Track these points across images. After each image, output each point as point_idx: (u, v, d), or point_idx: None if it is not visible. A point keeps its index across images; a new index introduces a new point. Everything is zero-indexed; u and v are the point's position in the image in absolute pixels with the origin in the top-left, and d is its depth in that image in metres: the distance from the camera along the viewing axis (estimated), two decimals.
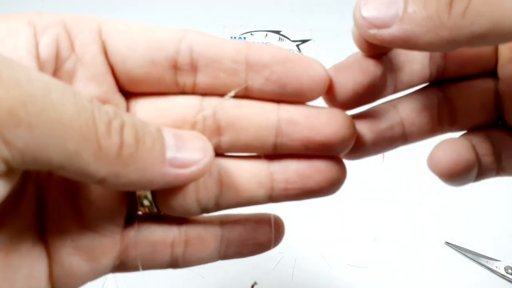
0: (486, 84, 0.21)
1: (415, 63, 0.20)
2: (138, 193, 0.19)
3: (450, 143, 0.20)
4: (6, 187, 0.14)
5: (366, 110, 0.21)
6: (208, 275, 0.39)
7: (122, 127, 0.15)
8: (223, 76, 0.18)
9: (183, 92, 0.19)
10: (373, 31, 0.17)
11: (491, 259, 0.40)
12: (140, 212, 0.19)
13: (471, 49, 0.20)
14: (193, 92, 0.19)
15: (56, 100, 0.13)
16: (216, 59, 0.18)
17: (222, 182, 0.19)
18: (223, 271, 0.40)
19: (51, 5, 0.64)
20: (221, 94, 0.18)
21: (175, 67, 0.18)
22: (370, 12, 0.17)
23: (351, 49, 0.20)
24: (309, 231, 0.42)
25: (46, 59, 0.16)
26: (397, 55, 0.20)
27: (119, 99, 0.18)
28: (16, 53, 0.16)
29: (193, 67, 0.18)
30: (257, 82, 0.18)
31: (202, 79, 0.18)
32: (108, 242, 0.18)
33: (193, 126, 0.18)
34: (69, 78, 0.17)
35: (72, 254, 0.18)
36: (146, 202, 0.19)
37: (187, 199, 0.18)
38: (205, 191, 0.18)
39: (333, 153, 0.19)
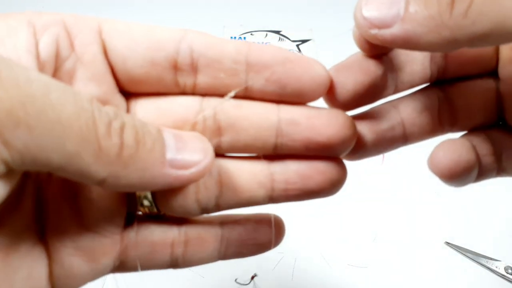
0: (487, 84, 0.21)
1: (415, 63, 0.20)
2: (138, 193, 0.18)
3: (451, 143, 0.20)
4: (6, 188, 0.14)
5: (366, 111, 0.21)
6: (208, 275, 0.39)
7: (122, 128, 0.15)
8: (223, 77, 0.18)
9: (183, 93, 0.19)
10: (374, 31, 0.16)
11: (491, 259, 0.40)
12: (140, 212, 0.19)
13: (472, 49, 0.20)
14: (193, 92, 0.19)
15: (55, 101, 0.13)
16: (216, 59, 0.18)
17: (222, 182, 0.19)
18: (223, 271, 0.39)
19: (51, 5, 0.64)
20: (221, 95, 0.18)
21: (175, 67, 0.18)
22: (371, 12, 0.16)
23: (351, 49, 0.20)
24: (309, 231, 0.42)
25: (46, 58, 0.16)
26: (398, 55, 0.20)
27: (119, 99, 0.18)
28: (15, 53, 0.16)
29: (193, 67, 0.18)
30: (257, 82, 0.18)
31: (202, 80, 0.18)
32: (108, 243, 0.18)
33: (193, 127, 0.18)
34: (69, 78, 0.17)
35: (72, 255, 0.18)
36: (146, 202, 0.19)
37: (187, 200, 0.18)
38: (205, 191, 0.18)
39: (334, 153, 0.19)
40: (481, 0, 0.14)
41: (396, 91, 0.21)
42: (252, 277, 0.38)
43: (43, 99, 0.13)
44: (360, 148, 0.20)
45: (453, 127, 0.21)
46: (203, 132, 0.18)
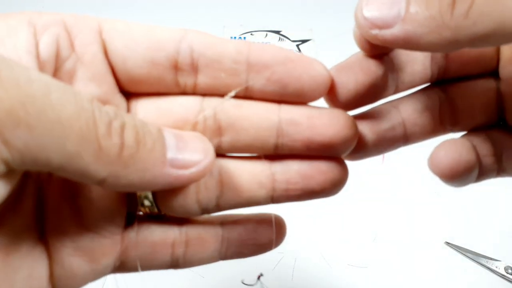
0: (488, 84, 0.21)
1: (416, 63, 0.20)
2: (139, 193, 0.18)
3: (451, 143, 0.20)
4: (6, 188, 0.14)
5: (367, 111, 0.21)
6: (208, 275, 0.39)
7: (122, 128, 0.15)
8: (224, 76, 0.18)
9: (183, 93, 0.19)
10: (375, 32, 0.16)
11: (491, 259, 0.40)
12: (140, 212, 0.19)
13: (473, 49, 0.20)
14: (193, 92, 0.19)
15: (55, 101, 0.13)
16: (217, 59, 0.18)
17: (223, 182, 0.19)
18: (223, 271, 0.39)
19: (51, 5, 0.64)
20: (222, 94, 0.18)
21: (176, 67, 0.18)
22: (372, 12, 0.16)
23: (351, 49, 0.20)
24: (309, 231, 0.42)
25: (46, 58, 0.16)
26: (399, 55, 0.20)
27: (120, 99, 0.18)
28: (15, 53, 0.16)
29: (194, 67, 0.18)
30: (258, 82, 0.18)
31: (203, 79, 0.18)
32: (108, 243, 0.18)
33: (194, 127, 0.18)
34: (69, 78, 0.17)
35: (73, 255, 0.18)
36: (146, 202, 0.19)
37: (188, 200, 0.18)
38: (205, 191, 0.18)
39: (335, 153, 0.19)
40: (482, 1, 0.14)
41: (397, 91, 0.21)
42: (258, 277, 0.38)
43: (43, 99, 0.13)
44: (361, 148, 0.20)
45: (454, 127, 0.21)
46: (203, 132, 0.18)
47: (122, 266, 0.19)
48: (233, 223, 0.20)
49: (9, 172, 0.14)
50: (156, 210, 0.19)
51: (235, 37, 0.63)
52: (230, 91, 0.18)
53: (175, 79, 0.18)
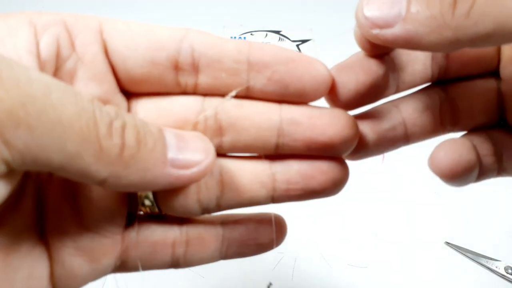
0: (488, 84, 0.21)
1: (417, 63, 0.20)
2: (139, 193, 0.18)
3: (451, 143, 0.20)
4: (6, 188, 0.14)
5: (368, 110, 0.21)
6: (208, 275, 0.39)
7: (123, 128, 0.15)
8: (225, 76, 0.18)
9: (184, 92, 0.19)
10: (376, 31, 0.16)
11: (491, 259, 0.40)
12: (141, 212, 0.19)
13: (474, 49, 0.20)
14: (194, 92, 0.19)
15: (56, 101, 0.13)
16: (217, 59, 0.18)
17: (224, 182, 0.19)
18: (223, 271, 0.39)
19: (51, 4, 0.64)
20: (223, 94, 0.18)
21: (176, 67, 0.18)
22: (373, 12, 0.16)
23: (351, 49, 0.20)
24: (309, 231, 0.42)
25: (46, 58, 0.16)
26: (399, 55, 0.20)
27: (120, 99, 0.18)
28: (16, 53, 0.16)
29: (195, 67, 0.18)
30: (258, 82, 0.18)
31: (204, 79, 0.18)
32: (109, 243, 0.18)
33: (194, 127, 0.18)
34: (70, 78, 0.17)
35: (73, 255, 0.18)
36: (147, 202, 0.18)
37: (188, 200, 0.18)
38: (206, 191, 0.18)
39: (336, 153, 0.19)
40: (483, 1, 0.14)
41: (398, 90, 0.21)
42: (268, 287, 0.38)
43: (43, 99, 0.13)
44: (361, 147, 0.20)
45: (454, 127, 0.21)
46: (204, 132, 0.18)
47: (123, 265, 0.19)
48: (233, 222, 0.20)
49: (10, 172, 0.14)
50: (156, 209, 0.19)
51: (235, 37, 0.63)
52: (231, 91, 0.18)
53: (175, 79, 0.18)
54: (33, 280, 0.17)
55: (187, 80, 0.18)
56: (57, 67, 0.17)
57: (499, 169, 0.21)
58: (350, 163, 0.20)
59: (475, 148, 0.20)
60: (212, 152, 0.17)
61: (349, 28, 0.19)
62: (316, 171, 0.19)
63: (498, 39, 0.15)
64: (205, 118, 0.18)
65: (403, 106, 0.21)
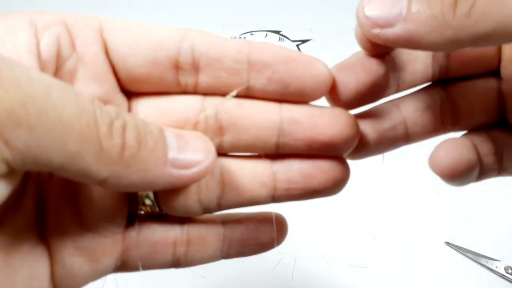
0: (489, 84, 0.21)
1: (418, 63, 0.20)
2: (140, 192, 0.18)
3: (452, 143, 0.20)
4: (7, 188, 0.14)
5: (368, 110, 0.21)
6: (208, 275, 0.39)
7: (124, 128, 0.15)
8: (225, 76, 0.18)
9: (184, 92, 0.19)
10: (376, 31, 0.16)
11: (491, 259, 0.40)
12: (141, 212, 0.19)
13: (474, 48, 0.20)
14: (195, 91, 0.19)
15: (56, 101, 0.13)
16: (218, 58, 0.18)
17: (224, 182, 0.19)
18: (223, 271, 0.39)
19: (51, 4, 0.64)
20: (223, 94, 0.18)
21: (177, 66, 0.18)
22: (374, 11, 0.16)
23: (351, 49, 0.20)
24: (309, 231, 0.42)
25: (47, 58, 0.16)
26: (400, 54, 0.20)
27: (121, 98, 0.18)
28: (16, 53, 0.16)
29: (195, 67, 0.18)
30: (259, 81, 0.18)
31: (204, 79, 0.18)
32: (109, 243, 0.18)
33: (195, 126, 0.18)
34: (70, 78, 0.17)
35: (74, 255, 0.18)
36: (148, 202, 0.18)
37: (189, 200, 0.18)
38: (207, 191, 0.18)
39: (337, 153, 0.19)
40: (484, 0, 0.14)
41: (398, 90, 0.21)
42: None
43: (44, 99, 0.13)
44: (362, 147, 0.20)
45: (455, 127, 0.21)
46: (204, 132, 0.18)
47: (123, 265, 0.19)
48: (234, 222, 0.20)
49: (10, 172, 0.14)
50: (157, 209, 0.19)
51: (235, 37, 0.63)
52: (231, 90, 0.18)
53: (176, 79, 0.18)
54: (33, 280, 0.17)
55: (187, 79, 0.18)
56: (57, 67, 0.17)
57: (500, 169, 0.21)
58: (350, 162, 0.20)
59: (475, 147, 0.20)
60: (212, 151, 0.17)
61: (349, 28, 0.19)
62: (317, 170, 0.19)
63: (499, 39, 0.15)
64: (206, 118, 0.18)
65: (403, 105, 0.21)
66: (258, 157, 0.19)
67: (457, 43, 0.15)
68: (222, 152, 0.19)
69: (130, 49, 0.17)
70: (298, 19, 0.67)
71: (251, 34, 0.63)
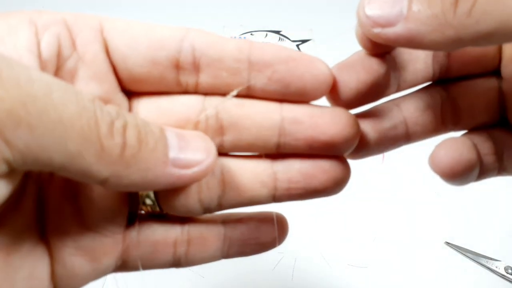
0: (490, 83, 0.21)
1: (418, 62, 0.20)
2: (141, 192, 0.18)
3: (452, 142, 0.20)
4: (7, 188, 0.14)
5: (369, 109, 0.21)
6: (208, 275, 0.39)
7: (124, 127, 0.15)
8: (225, 75, 0.18)
9: (185, 92, 0.19)
10: (377, 30, 0.16)
11: (491, 259, 0.40)
12: (142, 211, 0.19)
13: (475, 48, 0.20)
14: (195, 91, 0.18)
15: (57, 100, 0.13)
16: (218, 58, 0.18)
17: (225, 182, 0.19)
18: (223, 271, 0.39)
19: (51, 4, 0.64)
20: (224, 94, 0.18)
21: (177, 66, 0.18)
22: (374, 10, 0.16)
23: (351, 49, 0.20)
24: (309, 231, 0.42)
25: (48, 58, 0.16)
26: (401, 54, 0.20)
27: (121, 98, 0.18)
28: (16, 52, 0.16)
29: (196, 66, 0.18)
30: (259, 81, 0.18)
31: (204, 79, 0.18)
32: (110, 242, 0.18)
33: (195, 126, 0.18)
34: (71, 77, 0.17)
35: (74, 255, 0.18)
36: (148, 201, 0.18)
37: (190, 199, 0.18)
38: (207, 191, 0.18)
39: (337, 152, 0.19)
40: (484, 0, 0.14)
41: (399, 89, 0.21)
42: None
43: (44, 99, 0.13)
44: (363, 146, 0.20)
45: (455, 126, 0.21)
46: (205, 131, 0.18)
47: (124, 265, 0.19)
48: (235, 221, 0.20)
49: (11, 172, 0.14)
50: (158, 209, 0.19)
51: (235, 37, 0.62)
52: (231, 90, 0.18)
53: (176, 78, 0.18)
54: (34, 280, 0.17)
55: (188, 79, 0.18)
56: (58, 67, 0.17)
57: (500, 168, 0.21)
58: (350, 162, 0.20)
59: (475, 147, 0.20)
60: (213, 151, 0.17)
61: (349, 27, 0.19)
62: (318, 170, 0.19)
63: (500, 38, 0.15)
64: (206, 118, 0.18)
65: (404, 105, 0.21)
66: (259, 156, 0.19)
67: (458, 42, 0.15)
68: (222, 152, 0.19)
69: (131, 48, 0.17)
70: (298, 19, 0.67)
71: (251, 34, 0.63)
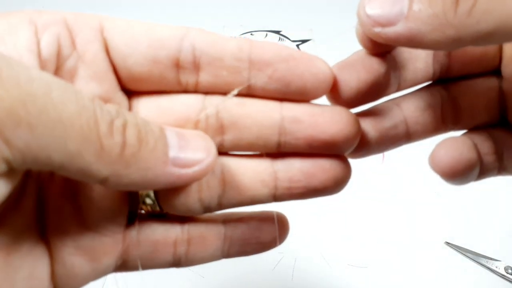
0: (490, 82, 0.21)
1: (419, 61, 0.20)
2: (141, 191, 0.18)
3: (452, 141, 0.20)
4: (7, 187, 0.14)
5: (369, 108, 0.21)
6: (208, 275, 0.39)
7: (124, 126, 0.15)
8: (226, 74, 0.18)
9: (185, 91, 0.18)
10: (378, 29, 0.16)
11: (491, 259, 0.40)
12: (142, 211, 0.19)
13: (475, 47, 0.20)
14: (195, 90, 0.18)
15: (57, 100, 0.13)
16: (218, 57, 0.18)
17: (225, 181, 0.19)
18: (223, 271, 0.39)
19: (50, 4, 0.64)
20: (224, 93, 0.18)
21: (177, 65, 0.18)
22: (375, 10, 0.16)
23: (351, 48, 0.20)
24: (309, 231, 0.42)
25: (47, 57, 0.16)
26: (401, 53, 0.20)
27: (121, 97, 0.18)
28: (16, 52, 0.16)
29: (196, 66, 0.18)
30: (260, 80, 0.18)
31: (205, 78, 0.18)
32: (110, 242, 0.18)
33: (195, 125, 0.18)
34: (71, 77, 0.17)
35: (74, 254, 0.18)
36: (148, 201, 0.18)
37: (190, 199, 0.18)
38: (208, 190, 0.18)
39: (338, 151, 0.19)
40: None
41: (399, 89, 0.21)
42: None
43: (44, 98, 0.13)
44: (363, 146, 0.20)
45: (456, 126, 0.21)
46: (205, 131, 0.18)
47: (124, 265, 0.19)
48: (235, 221, 0.20)
49: (10, 171, 0.14)
50: (158, 208, 0.19)
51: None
52: (232, 89, 0.18)
53: (176, 77, 0.18)
54: (34, 280, 0.17)
55: (188, 78, 0.18)
56: (58, 66, 0.17)
57: (500, 168, 0.21)
58: (350, 162, 0.20)
59: (475, 146, 0.20)
60: (213, 150, 0.17)
61: (350, 27, 0.19)
62: (318, 169, 0.19)
63: (500, 38, 0.15)
64: (207, 117, 0.18)
65: (404, 104, 0.21)
66: (259, 156, 0.19)
67: (458, 41, 0.15)
68: (223, 151, 0.19)
69: (131, 47, 0.17)
70: (298, 19, 0.67)
71: (251, 34, 0.63)
